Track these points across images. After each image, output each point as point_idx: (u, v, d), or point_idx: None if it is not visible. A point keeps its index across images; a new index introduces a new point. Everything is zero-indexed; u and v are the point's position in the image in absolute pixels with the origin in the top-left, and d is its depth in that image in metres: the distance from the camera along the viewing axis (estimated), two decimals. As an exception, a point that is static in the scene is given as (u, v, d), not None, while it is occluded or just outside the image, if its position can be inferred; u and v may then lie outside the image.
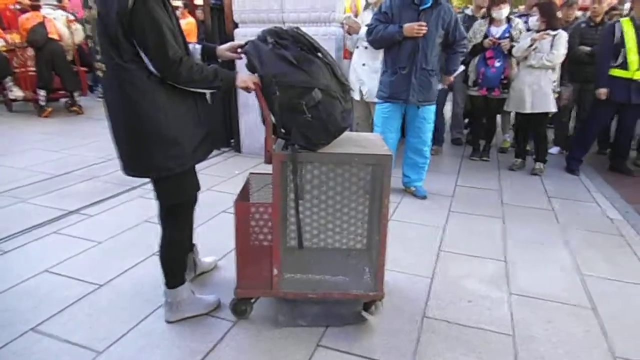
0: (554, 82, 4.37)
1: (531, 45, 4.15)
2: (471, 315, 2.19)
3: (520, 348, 1.98)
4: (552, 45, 4.17)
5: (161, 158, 1.76)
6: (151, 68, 1.65)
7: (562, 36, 4.18)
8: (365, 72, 4.21)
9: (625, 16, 4.63)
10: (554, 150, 5.19)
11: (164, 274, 2.04)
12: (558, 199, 3.85)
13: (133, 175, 1.88)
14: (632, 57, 4.17)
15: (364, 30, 4.05)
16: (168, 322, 2.07)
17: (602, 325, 2.15)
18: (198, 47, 1.96)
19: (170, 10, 1.69)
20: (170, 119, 1.73)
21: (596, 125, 4.63)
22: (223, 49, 1.96)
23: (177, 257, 2.07)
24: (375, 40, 3.53)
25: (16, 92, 6.76)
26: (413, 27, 3.29)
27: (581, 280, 2.55)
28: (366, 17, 4.20)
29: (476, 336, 2.05)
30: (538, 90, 4.27)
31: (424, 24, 3.29)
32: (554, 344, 2.02)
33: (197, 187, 1.99)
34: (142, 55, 1.63)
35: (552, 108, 4.35)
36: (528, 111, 4.34)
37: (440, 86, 3.85)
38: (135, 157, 1.80)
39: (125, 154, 1.82)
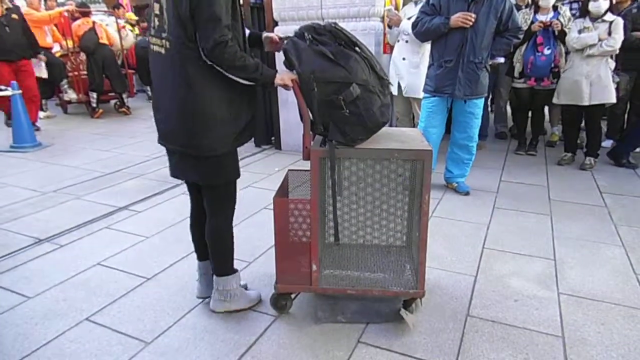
0: (612, 71, 4.13)
1: (595, 44, 3.94)
2: (517, 315, 2.12)
3: (571, 351, 1.89)
4: (610, 32, 3.94)
5: (206, 138, 1.78)
6: (200, 49, 1.67)
7: (620, 22, 3.95)
8: (404, 67, 4.14)
9: None
10: (607, 143, 4.91)
11: (212, 261, 2.08)
12: (611, 194, 3.65)
13: (170, 147, 1.91)
14: None
15: (405, 23, 3.99)
16: (213, 311, 2.11)
17: (661, 328, 2.03)
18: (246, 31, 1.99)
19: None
20: (222, 101, 1.76)
21: None
22: (267, 34, 2.02)
23: (224, 243, 2.06)
24: (420, 32, 3.44)
25: (71, 94, 7.15)
26: (459, 18, 3.19)
27: (637, 280, 2.41)
28: (408, 11, 4.13)
29: (523, 337, 1.98)
30: (598, 81, 4.03)
31: (470, 14, 3.18)
32: (607, 347, 1.92)
33: (238, 173, 2.00)
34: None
35: (613, 99, 4.11)
36: (586, 103, 4.09)
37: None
38: (180, 133, 1.81)
39: (171, 128, 1.84)
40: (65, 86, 7.13)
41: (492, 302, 2.23)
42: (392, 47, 4.45)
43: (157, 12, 1.75)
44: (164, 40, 1.73)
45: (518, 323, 2.07)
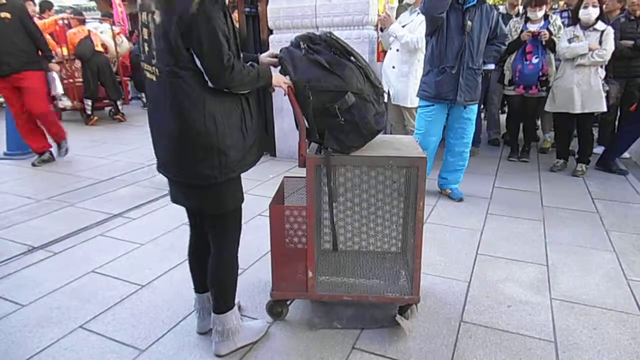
0: (602, 80, 4.19)
1: (585, 54, 4.00)
2: (511, 321, 2.14)
3: (563, 355, 1.91)
4: (600, 42, 4.01)
5: (206, 167, 1.66)
6: (206, 77, 1.58)
7: (610, 32, 4.02)
8: (394, 75, 4.19)
9: None
10: (599, 149, 4.98)
11: (213, 296, 1.89)
12: (603, 200, 3.69)
13: (170, 177, 1.81)
14: None
15: (394, 27, 3.99)
16: (218, 356, 1.90)
17: (652, 333, 2.05)
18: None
19: (228, 17, 1.62)
20: (219, 128, 1.64)
21: (637, 131, 4.40)
22: (263, 57, 1.95)
23: (229, 278, 1.90)
24: (426, 5, 3.25)
25: (65, 102, 7.10)
26: None
27: (628, 285, 2.44)
28: (403, 19, 4.16)
29: (516, 342, 1.99)
30: (588, 89, 4.09)
31: None
32: (599, 351, 1.94)
33: (243, 198, 1.87)
34: (197, 62, 1.56)
35: (603, 107, 4.17)
36: (578, 111, 4.16)
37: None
38: (179, 163, 1.71)
39: (168, 158, 1.75)
40: (60, 94, 7.10)
41: (485, 307, 2.25)
42: (385, 56, 4.49)
43: (145, 37, 1.65)
44: (154, 67, 1.64)
45: (511, 328, 2.08)
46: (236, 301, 1.96)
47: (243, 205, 1.89)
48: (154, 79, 1.66)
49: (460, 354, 1.92)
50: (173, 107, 1.62)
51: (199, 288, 2.02)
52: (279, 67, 1.89)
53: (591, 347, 1.96)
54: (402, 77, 4.12)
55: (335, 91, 1.76)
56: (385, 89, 4.20)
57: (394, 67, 4.19)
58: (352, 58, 1.83)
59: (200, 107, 1.61)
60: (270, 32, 4.81)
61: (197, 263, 1.99)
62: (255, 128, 1.77)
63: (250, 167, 1.79)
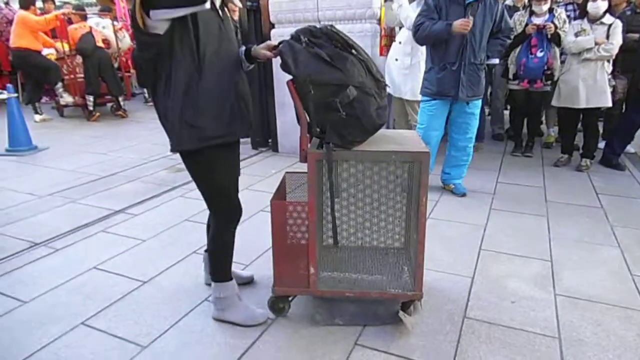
0: (609, 75, 4.14)
1: (591, 48, 3.96)
2: (514, 317, 2.12)
3: (567, 352, 1.90)
4: (608, 35, 3.96)
5: (172, 133, 1.79)
6: None
7: (618, 25, 3.96)
8: (396, 68, 4.16)
9: None
10: (603, 144, 4.94)
11: (209, 262, 2.11)
12: (608, 195, 3.66)
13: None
14: None
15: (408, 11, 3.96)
16: (213, 318, 2.10)
17: (658, 329, 2.03)
18: (242, 48, 1.95)
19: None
20: (172, 97, 1.74)
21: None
22: (259, 48, 1.93)
23: (217, 247, 2.05)
24: (422, 37, 3.37)
25: (66, 98, 7.12)
26: (460, 25, 3.15)
27: (633, 281, 2.42)
28: (404, 9, 4.08)
29: (520, 338, 1.98)
30: (593, 84, 4.05)
31: (469, 20, 3.15)
32: (604, 347, 1.92)
33: (215, 183, 1.92)
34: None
35: (609, 103, 4.12)
36: (583, 106, 4.12)
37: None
38: (169, 133, 1.84)
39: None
40: (61, 90, 7.11)
41: (489, 303, 2.23)
42: (389, 49, 4.46)
43: None
44: None
45: (515, 324, 2.07)
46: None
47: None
48: None
49: (464, 350, 1.91)
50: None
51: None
52: (280, 62, 1.87)
53: (596, 343, 1.95)
54: (405, 70, 4.09)
55: (337, 85, 1.74)
56: (388, 84, 4.18)
57: (397, 60, 4.16)
58: (353, 51, 1.80)
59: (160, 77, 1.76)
60: (272, 26, 4.78)
61: (207, 225, 2.18)
62: (202, 108, 1.76)
63: (192, 146, 1.79)
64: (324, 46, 1.77)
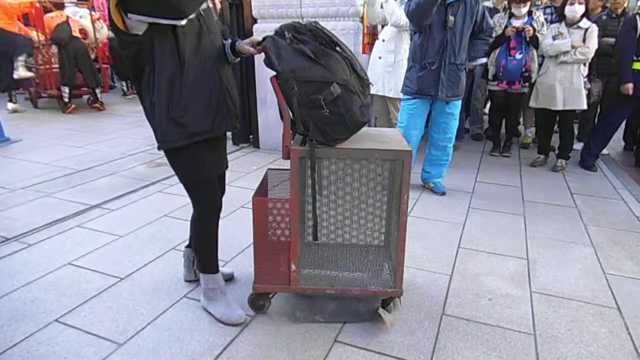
0: (584, 78, 4.24)
1: (568, 51, 4.05)
2: (491, 314, 2.16)
3: (542, 348, 1.94)
4: (584, 39, 4.05)
5: (157, 129, 1.79)
6: None
7: (594, 30, 4.07)
8: (380, 65, 4.18)
9: None
10: (578, 146, 5.07)
11: (197, 258, 2.14)
12: (582, 195, 3.76)
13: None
14: None
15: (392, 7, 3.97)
16: (202, 307, 2.14)
17: (627, 325, 2.10)
18: (228, 42, 1.93)
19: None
20: (157, 93, 1.74)
21: (618, 120, 4.49)
22: (243, 43, 1.92)
23: (198, 238, 2.08)
24: (413, 10, 3.23)
25: (21, 72, 6.68)
26: None
27: (605, 279, 2.49)
28: (390, 4, 4.07)
29: (496, 335, 2.01)
30: (569, 86, 4.15)
31: None
32: (577, 344, 1.97)
33: (192, 176, 1.92)
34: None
35: (584, 105, 4.22)
36: (560, 108, 4.22)
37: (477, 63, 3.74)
38: (154, 129, 1.84)
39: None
40: (20, 63, 6.62)
41: (466, 301, 2.27)
42: (371, 47, 4.47)
43: None
44: None
45: (492, 321, 2.11)
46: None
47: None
48: None
49: (442, 347, 1.93)
50: None
51: (189, 242, 2.30)
52: (263, 57, 1.85)
53: (569, 339, 2.00)
54: (389, 67, 4.11)
55: (321, 82, 1.73)
56: (374, 81, 4.20)
57: (380, 58, 4.18)
58: (337, 48, 1.80)
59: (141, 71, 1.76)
60: (255, 21, 4.74)
61: (191, 220, 2.14)
62: (186, 105, 1.76)
63: (177, 143, 1.79)
64: (308, 43, 1.76)
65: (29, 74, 6.82)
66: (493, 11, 4.93)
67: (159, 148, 1.84)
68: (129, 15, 1.59)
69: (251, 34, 4.65)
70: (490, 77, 4.69)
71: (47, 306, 2.15)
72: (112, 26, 1.66)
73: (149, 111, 1.81)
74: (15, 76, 6.71)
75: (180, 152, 1.83)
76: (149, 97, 1.76)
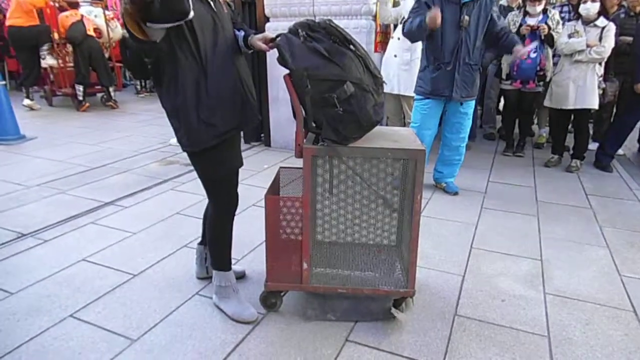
0: (600, 77, 4.18)
1: (584, 50, 3.99)
2: (505, 315, 2.14)
3: (556, 350, 1.92)
4: (600, 38, 3.99)
5: (202, 133, 1.82)
6: None
7: (611, 28, 4.00)
8: (395, 64, 4.16)
9: None
10: (593, 146, 4.99)
11: (210, 254, 2.15)
12: (597, 196, 3.70)
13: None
14: None
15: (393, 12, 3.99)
16: (214, 304, 2.15)
17: (644, 329, 2.06)
18: (241, 34, 1.93)
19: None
20: (175, 98, 1.78)
21: (633, 121, 4.42)
22: (255, 39, 1.92)
23: (213, 235, 2.09)
24: (406, 34, 3.39)
25: (49, 60, 6.87)
26: (430, 18, 3.07)
27: (621, 281, 2.45)
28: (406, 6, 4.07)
29: (510, 336, 1.99)
30: (583, 85, 4.09)
31: (437, 13, 3.06)
32: (592, 346, 1.94)
33: (215, 173, 1.95)
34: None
35: (595, 105, 4.16)
36: (571, 107, 4.17)
37: (528, 48, 3.43)
38: (179, 132, 1.89)
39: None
40: (45, 52, 6.85)
41: (479, 301, 2.25)
42: (383, 46, 4.45)
43: None
44: None
45: (505, 323, 2.08)
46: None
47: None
48: None
49: (454, 347, 1.92)
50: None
51: (201, 240, 2.31)
52: (277, 56, 1.85)
53: (584, 342, 1.97)
54: (404, 65, 4.09)
55: (334, 80, 1.72)
56: (388, 79, 4.17)
57: (395, 56, 4.16)
58: (351, 47, 1.79)
59: (162, 77, 1.81)
60: (267, 19, 4.74)
61: (204, 217, 2.22)
62: (215, 104, 1.80)
63: (208, 144, 1.83)
64: (321, 41, 1.75)
65: (55, 62, 6.93)
66: (507, 9, 4.88)
67: (187, 150, 1.88)
68: (148, 24, 1.61)
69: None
70: (503, 76, 4.64)
71: (62, 301, 2.17)
72: (131, 37, 1.67)
73: (172, 115, 1.84)
74: (43, 65, 6.88)
75: (206, 152, 1.86)
76: (172, 101, 1.79)
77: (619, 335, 2.02)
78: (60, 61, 6.95)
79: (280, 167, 2.30)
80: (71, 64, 6.97)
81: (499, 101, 5.67)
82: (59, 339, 1.92)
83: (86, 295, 2.22)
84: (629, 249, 2.81)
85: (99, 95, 7.52)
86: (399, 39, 4.08)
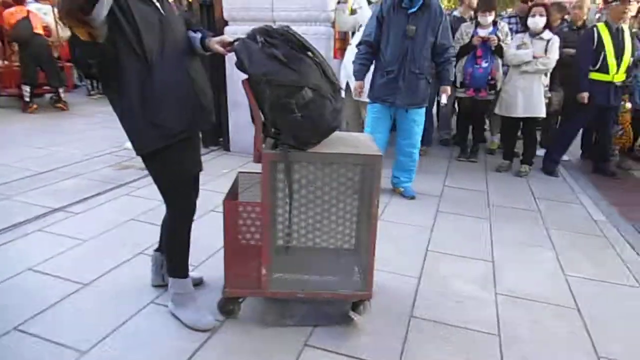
0: (545, 87, 4.42)
1: (530, 61, 4.20)
2: (458, 316, 2.21)
3: (506, 348, 2.00)
4: (546, 50, 4.22)
5: (148, 134, 1.78)
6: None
7: (556, 41, 4.24)
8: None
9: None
10: (541, 152, 5.25)
11: (167, 261, 2.10)
12: (544, 200, 3.90)
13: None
14: (611, 61, 4.26)
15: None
16: (169, 312, 2.10)
17: (586, 325, 2.19)
18: (197, 35, 1.91)
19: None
20: (122, 100, 1.75)
21: (575, 128, 4.74)
22: (213, 41, 1.90)
23: (178, 245, 2.04)
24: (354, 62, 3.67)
25: None
26: (354, 89, 3.65)
27: (566, 281, 2.59)
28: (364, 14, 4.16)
29: (463, 336, 2.06)
30: (530, 95, 4.31)
31: (361, 86, 3.56)
32: (539, 344, 2.04)
33: (190, 170, 1.95)
34: None
35: (542, 113, 4.40)
36: (520, 115, 4.38)
37: (444, 101, 3.83)
38: (129, 134, 1.85)
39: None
40: None
41: (434, 303, 2.31)
42: (342, 52, 4.50)
43: None
44: None
45: (459, 323, 2.15)
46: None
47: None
48: None
49: (410, 349, 1.96)
50: None
51: (158, 246, 2.26)
52: (235, 61, 1.84)
53: (532, 339, 2.07)
54: None
55: (292, 86, 1.73)
56: (343, 86, 4.23)
57: (354, 62, 4.21)
58: (309, 53, 1.81)
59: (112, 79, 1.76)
60: (226, 23, 4.70)
61: (162, 223, 2.15)
62: (160, 105, 1.75)
63: (156, 145, 1.79)
64: (279, 47, 1.76)
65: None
66: (460, 20, 5.06)
67: (138, 154, 1.84)
68: (92, 14, 1.50)
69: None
70: (457, 84, 4.81)
71: (5, 314, 2.05)
72: (75, 41, 1.61)
73: (121, 118, 1.79)
74: None
75: (158, 155, 1.82)
76: (120, 104, 1.75)
77: (564, 332, 2.13)
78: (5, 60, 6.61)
79: (239, 172, 2.29)
80: (17, 63, 6.61)
81: (453, 108, 5.86)
82: (3, 353, 1.82)
83: (32, 307, 2.11)
84: (573, 250, 2.97)
85: (48, 96, 7.18)
86: (356, 46, 4.14)
